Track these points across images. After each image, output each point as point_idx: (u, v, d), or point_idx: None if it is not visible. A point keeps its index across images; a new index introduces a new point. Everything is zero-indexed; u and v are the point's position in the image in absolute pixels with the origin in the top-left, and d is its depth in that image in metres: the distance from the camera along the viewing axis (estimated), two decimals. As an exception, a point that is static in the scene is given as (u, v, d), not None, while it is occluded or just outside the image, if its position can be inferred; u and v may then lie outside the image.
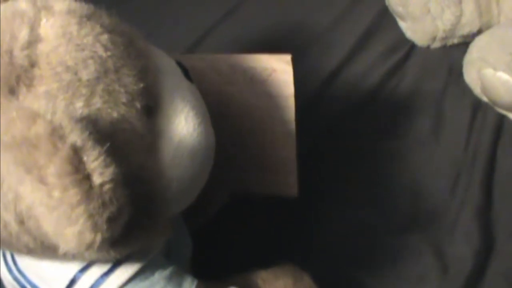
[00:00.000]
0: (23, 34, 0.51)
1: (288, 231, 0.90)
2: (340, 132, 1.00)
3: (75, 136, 0.45)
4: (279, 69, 0.78)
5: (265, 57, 0.78)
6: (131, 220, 0.50)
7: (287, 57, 0.78)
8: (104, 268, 0.59)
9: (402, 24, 1.10)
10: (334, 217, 0.92)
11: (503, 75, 0.94)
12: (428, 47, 1.09)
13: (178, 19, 1.16)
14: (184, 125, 0.58)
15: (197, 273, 0.71)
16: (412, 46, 1.10)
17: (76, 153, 0.45)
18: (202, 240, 0.78)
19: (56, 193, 0.44)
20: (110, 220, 0.46)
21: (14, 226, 0.50)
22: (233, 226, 0.88)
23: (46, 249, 0.53)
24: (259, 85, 0.78)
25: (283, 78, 0.78)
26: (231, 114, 0.79)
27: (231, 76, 0.79)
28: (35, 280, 0.61)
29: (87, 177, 0.45)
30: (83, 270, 0.59)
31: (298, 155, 0.80)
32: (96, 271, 0.59)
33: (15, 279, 0.63)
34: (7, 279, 0.65)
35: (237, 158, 0.80)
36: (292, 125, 0.78)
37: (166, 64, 0.61)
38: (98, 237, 0.46)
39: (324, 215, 0.92)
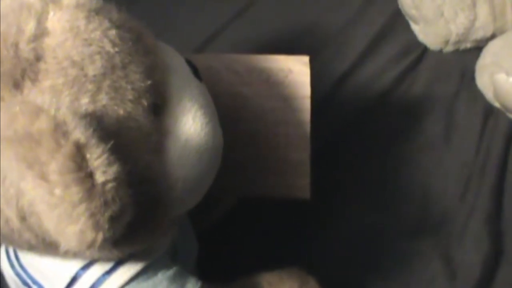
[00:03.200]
0: (30, 27, 0.50)
1: (296, 234, 0.89)
2: (351, 134, 1.00)
3: (79, 133, 0.44)
4: (296, 70, 0.77)
5: (282, 58, 0.78)
6: (135, 220, 0.49)
7: (305, 58, 0.78)
8: (106, 266, 0.59)
9: (415, 27, 1.09)
10: (343, 220, 0.91)
11: (516, 81, 0.93)
12: (440, 50, 1.07)
13: (190, 18, 1.15)
14: (191, 124, 0.57)
15: (202, 274, 0.71)
16: (425, 50, 1.08)
17: (79, 150, 0.44)
18: (208, 242, 0.77)
19: (58, 191, 0.43)
20: (112, 220, 0.45)
21: (16, 222, 0.50)
22: (240, 228, 0.88)
23: (47, 246, 0.52)
24: (275, 87, 0.78)
25: (300, 79, 0.77)
26: (245, 117, 0.78)
27: (247, 77, 0.78)
28: (36, 276, 0.61)
29: (90, 175, 0.44)
30: (85, 268, 0.58)
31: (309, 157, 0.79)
32: (98, 269, 0.58)
33: (17, 274, 0.63)
34: (9, 274, 0.64)
35: (249, 161, 0.79)
36: (307, 127, 0.78)
37: (175, 62, 0.60)
38: (100, 236, 0.45)
39: (333, 218, 0.91)
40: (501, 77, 0.95)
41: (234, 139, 0.71)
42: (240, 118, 0.78)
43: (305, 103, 0.77)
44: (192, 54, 0.67)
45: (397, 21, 1.12)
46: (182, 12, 1.16)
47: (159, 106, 0.55)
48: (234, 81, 0.78)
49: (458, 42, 1.06)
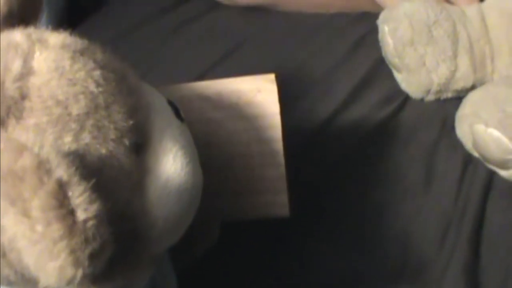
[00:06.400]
0: (16, 66, 0.51)
1: (273, 274, 0.89)
2: (331, 179, 1.00)
3: (61, 171, 0.45)
4: (264, 88, 0.79)
5: (249, 79, 0.80)
6: (114, 257, 0.49)
7: (271, 76, 0.79)
8: (85, 302, 0.58)
9: (398, 76, 1.10)
10: (320, 260, 0.91)
11: (494, 132, 0.94)
12: (422, 99, 1.08)
13: (176, 59, 1.16)
14: (172, 164, 0.58)
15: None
16: (407, 98, 1.09)
17: (61, 187, 0.44)
18: (187, 279, 0.77)
19: (39, 227, 0.44)
20: (92, 256, 0.46)
21: (-5, 259, 0.50)
22: (218, 266, 0.88)
23: (26, 282, 0.52)
24: (245, 107, 0.79)
25: (268, 97, 0.79)
26: (219, 141, 0.80)
27: (218, 101, 0.79)
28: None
29: (71, 213, 0.44)
30: (63, 304, 0.58)
31: (290, 194, 0.80)
32: (76, 306, 0.58)
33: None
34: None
35: (225, 184, 0.80)
36: (280, 143, 0.79)
37: (157, 102, 0.61)
38: (79, 273, 0.45)
39: (310, 258, 0.91)
40: (480, 127, 0.96)
41: (209, 164, 0.72)
42: (214, 142, 0.79)
43: (275, 120, 0.79)
44: (163, 86, 0.67)
45: (381, 68, 1.12)
46: (169, 53, 1.17)
47: (140, 145, 0.56)
48: (205, 107, 0.79)
49: (439, 91, 1.07)
